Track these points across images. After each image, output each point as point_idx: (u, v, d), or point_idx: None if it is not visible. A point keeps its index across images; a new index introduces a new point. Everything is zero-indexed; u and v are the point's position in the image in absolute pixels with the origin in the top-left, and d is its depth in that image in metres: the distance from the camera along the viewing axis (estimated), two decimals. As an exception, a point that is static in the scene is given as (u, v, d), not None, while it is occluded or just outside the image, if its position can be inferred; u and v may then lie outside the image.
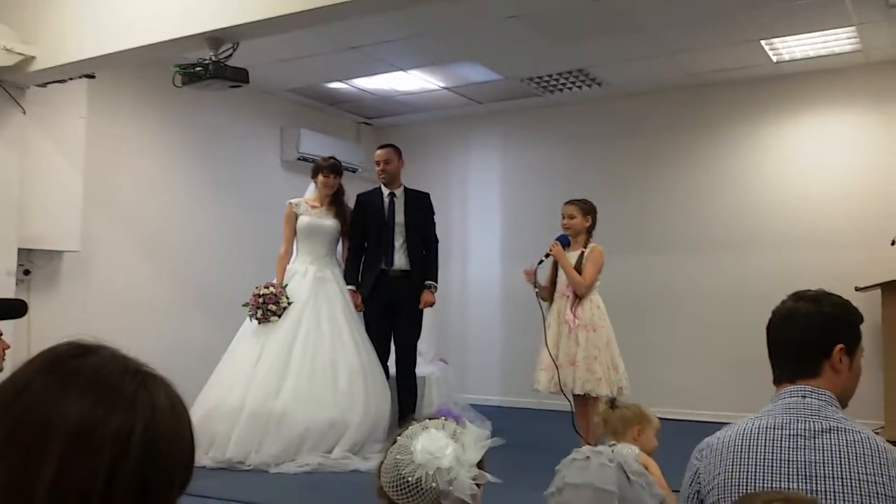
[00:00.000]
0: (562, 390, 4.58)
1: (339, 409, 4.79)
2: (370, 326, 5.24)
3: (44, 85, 5.12)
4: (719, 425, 1.90)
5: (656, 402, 6.19)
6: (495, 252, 7.71)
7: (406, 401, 5.26)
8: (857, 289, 5.38)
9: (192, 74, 4.24)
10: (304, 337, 4.92)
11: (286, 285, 5.12)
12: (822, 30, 5.46)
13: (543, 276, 4.88)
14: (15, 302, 2.11)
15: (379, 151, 5.45)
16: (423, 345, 5.51)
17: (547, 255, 4.77)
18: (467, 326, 7.67)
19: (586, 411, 4.63)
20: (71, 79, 5.09)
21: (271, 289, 5.04)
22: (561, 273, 4.74)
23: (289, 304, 5.02)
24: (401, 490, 1.38)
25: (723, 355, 6.45)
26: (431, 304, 5.35)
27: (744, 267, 6.50)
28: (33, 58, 4.82)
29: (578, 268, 4.66)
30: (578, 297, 4.64)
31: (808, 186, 6.33)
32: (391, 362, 5.32)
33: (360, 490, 4.24)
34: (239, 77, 4.32)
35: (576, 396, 4.62)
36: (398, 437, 1.46)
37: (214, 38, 4.26)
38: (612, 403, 3.27)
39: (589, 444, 4.51)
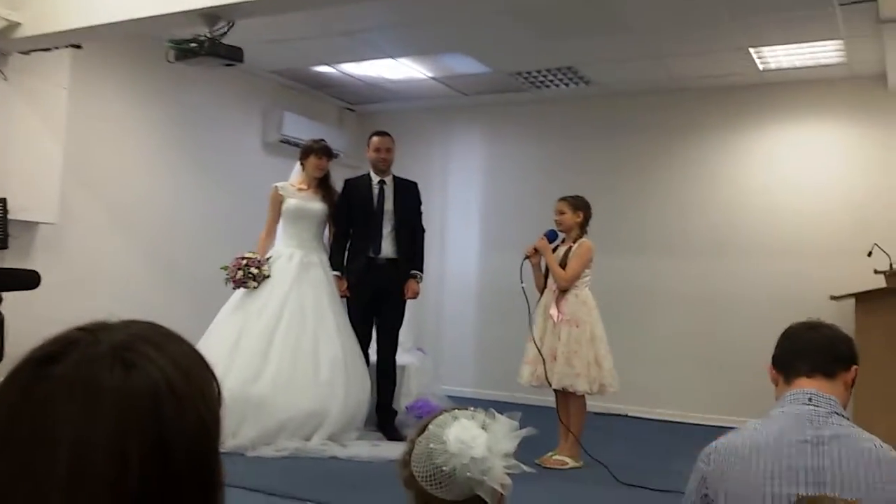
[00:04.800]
0: (543, 383, 4.62)
1: (319, 398, 4.76)
2: (353, 313, 5.21)
3: (27, 52, 5.00)
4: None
5: (630, 400, 6.31)
6: (474, 244, 7.72)
7: (384, 389, 5.26)
8: (831, 297, 5.49)
9: (186, 51, 4.18)
10: (286, 322, 4.87)
11: (271, 263, 5.08)
12: (811, 41, 5.54)
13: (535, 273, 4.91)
14: (28, 273, 2.00)
15: (381, 138, 5.38)
16: (402, 334, 5.50)
17: (526, 258, 4.79)
18: (443, 317, 7.67)
19: (567, 405, 4.68)
20: (56, 48, 4.99)
21: (256, 255, 5.01)
22: None
23: (267, 277, 4.97)
24: (435, 480, 1.38)
25: (696, 358, 6.54)
26: (416, 294, 5.34)
27: (721, 272, 6.59)
28: (19, 24, 4.72)
29: (564, 262, 4.70)
30: (563, 292, 4.67)
31: (787, 195, 6.43)
32: (371, 350, 5.30)
33: (338, 475, 4.26)
34: (233, 55, 4.27)
35: (556, 391, 4.66)
36: (429, 427, 1.45)
37: (210, 15, 4.20)
38: None
39: (572, 433, 4.57)
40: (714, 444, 1.87)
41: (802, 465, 1.69)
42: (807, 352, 1.89)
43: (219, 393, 0.81)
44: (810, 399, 1.81)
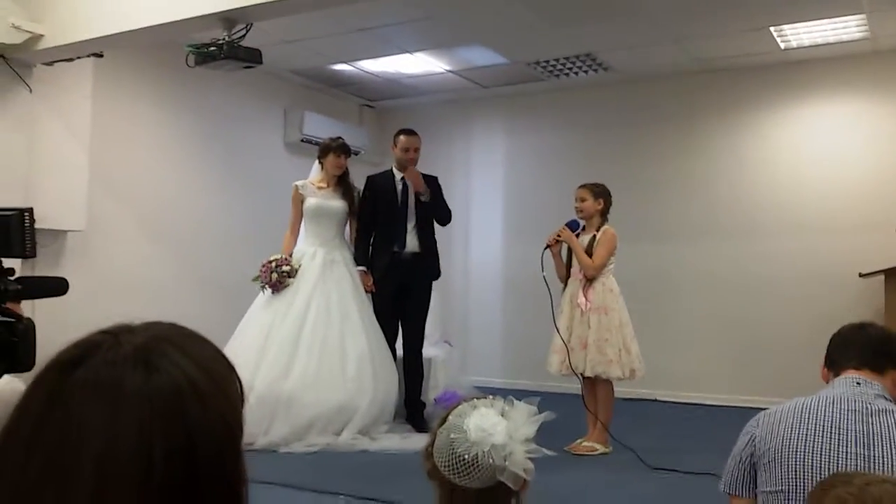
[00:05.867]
0: (573, 372, 4.62)
1: (347, 393, 4.80)
2: (380, 308, 5.24)
3: (50, 63, 5.07)
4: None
5: (659, 385, 6.28)
6: (497, 235, 7.73)
7: (412, 382, 5.29)
8: (860, 275, 5.43)
9: (206, 54, 4.22)
10: (313, 320, 4.91)
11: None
12: (832, 17, 5.46)
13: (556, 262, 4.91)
14: (58, 280, 2.03)
15: (408, 138, 5.38)
16: (428, 326, 5.52)
17: (547, 247, 4.79)
18: (469, 308, 7.69)
19: (594, 391, 4.69)
20: (79, 57, 5.06)
21: (279, 256, 5.07)
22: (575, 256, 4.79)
23: (297, 269, 5.03)
24: (458, 469, 1.40)
25: (724, 340, 6.50)
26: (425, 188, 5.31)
27: (747, 252, 6.53)
28: (41, 36, 4.79)
29: (590, 251, 4.70)
30: (590, 281, 4.67)
31: (813, 173, 6.35)
32: (398, 344, 5.33)
33: (369, 468, 4.29)
34: (252, 58, 4.31)
35: (586, 378, 4.66)
36: (449, 417, 1.47)
37: (228, 19, 4.24)
38: None
39: (599, 420, 4.58)
40: (763, 411, 1.95)
41: (852, 429, 1.76)
42: (854, 348, 1.96)
43: (241, 391, 0.82)
44: (858, 383, 1.87)
